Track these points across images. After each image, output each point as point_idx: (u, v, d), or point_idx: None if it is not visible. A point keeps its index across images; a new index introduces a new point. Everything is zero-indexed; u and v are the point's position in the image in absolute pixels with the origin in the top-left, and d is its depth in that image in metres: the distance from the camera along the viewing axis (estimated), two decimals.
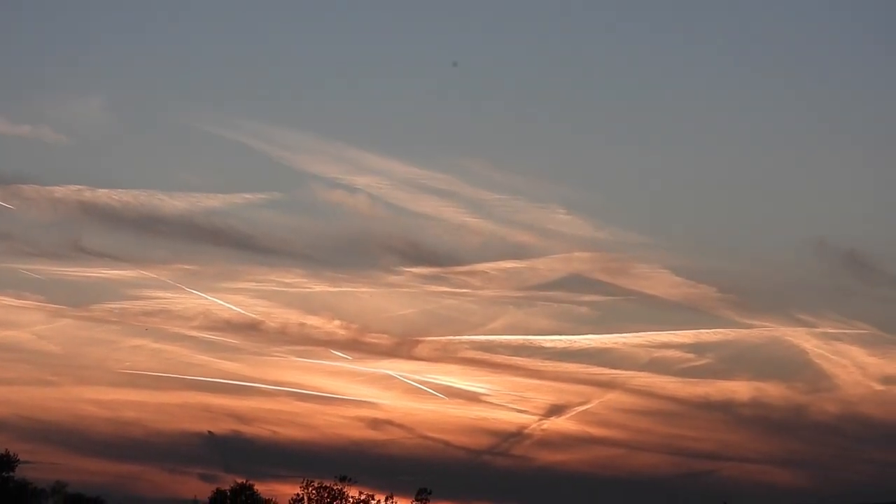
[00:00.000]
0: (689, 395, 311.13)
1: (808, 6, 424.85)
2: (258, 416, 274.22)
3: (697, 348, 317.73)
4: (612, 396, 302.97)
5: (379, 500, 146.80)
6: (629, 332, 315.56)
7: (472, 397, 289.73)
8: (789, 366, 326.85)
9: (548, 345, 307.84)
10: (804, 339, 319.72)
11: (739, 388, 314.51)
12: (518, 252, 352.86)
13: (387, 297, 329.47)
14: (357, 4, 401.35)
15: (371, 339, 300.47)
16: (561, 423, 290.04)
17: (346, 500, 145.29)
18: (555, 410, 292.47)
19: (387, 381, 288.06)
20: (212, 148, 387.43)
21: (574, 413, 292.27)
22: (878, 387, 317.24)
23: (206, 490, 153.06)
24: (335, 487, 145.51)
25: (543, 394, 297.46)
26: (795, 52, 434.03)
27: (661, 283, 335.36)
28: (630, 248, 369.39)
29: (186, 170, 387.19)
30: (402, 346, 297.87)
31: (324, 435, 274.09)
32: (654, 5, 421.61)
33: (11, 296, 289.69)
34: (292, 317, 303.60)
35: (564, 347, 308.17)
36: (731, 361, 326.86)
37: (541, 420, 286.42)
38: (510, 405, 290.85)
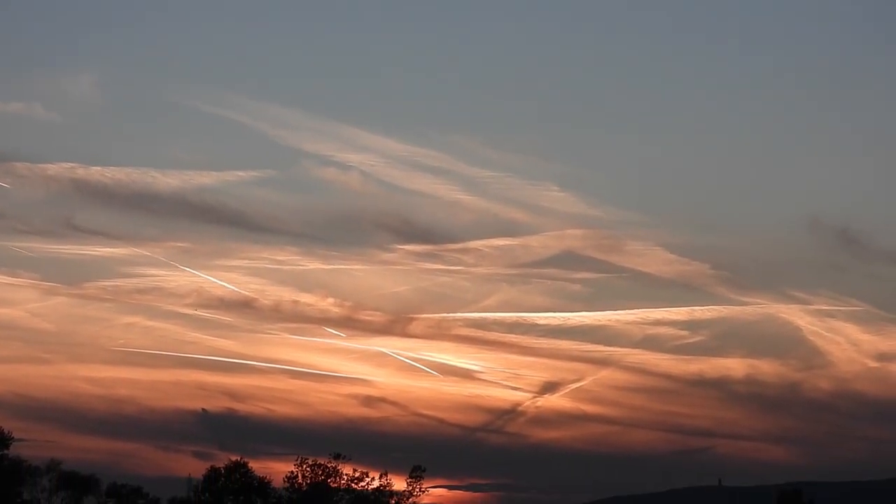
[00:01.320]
0: (683, 372, 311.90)
1: None
2: (252, 394, 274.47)
3: (691, 325, 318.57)
4: (606, 373, 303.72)
5: (373, 478, 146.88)
6: (623, 310, 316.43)
7: (466, 375, 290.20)
8: (783, 343, 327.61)
9: (541, 322, 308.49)
10: (798, 316, 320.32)
11: (733, 365, 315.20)
12: (511, 229, 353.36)
13: (380, 275, 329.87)
14: None
15: (365, 316, 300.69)
16: (555, 401, 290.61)
17: (340, 478, 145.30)
18: (549, 388, 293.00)
19: (380, 359, 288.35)
20: (204, 125, 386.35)
21: (568, 390, 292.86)
22: (873, 364, 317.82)
23: (200, 468, 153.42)
24: (329, 465, 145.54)
25: (537, 371, 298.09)
26: (787, 31, 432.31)
27: (654, 260, 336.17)
28: (623, 226, 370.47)
29: (179, 147, 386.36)
30: (396, 324, 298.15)
31: (318, 412, 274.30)
32: None
33: (5, 273, 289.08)
34: (286, 294, 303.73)
35: (558, 325, 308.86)
36: (725, 338, 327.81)
37: (535, 397, 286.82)
38: (504, 382, 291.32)
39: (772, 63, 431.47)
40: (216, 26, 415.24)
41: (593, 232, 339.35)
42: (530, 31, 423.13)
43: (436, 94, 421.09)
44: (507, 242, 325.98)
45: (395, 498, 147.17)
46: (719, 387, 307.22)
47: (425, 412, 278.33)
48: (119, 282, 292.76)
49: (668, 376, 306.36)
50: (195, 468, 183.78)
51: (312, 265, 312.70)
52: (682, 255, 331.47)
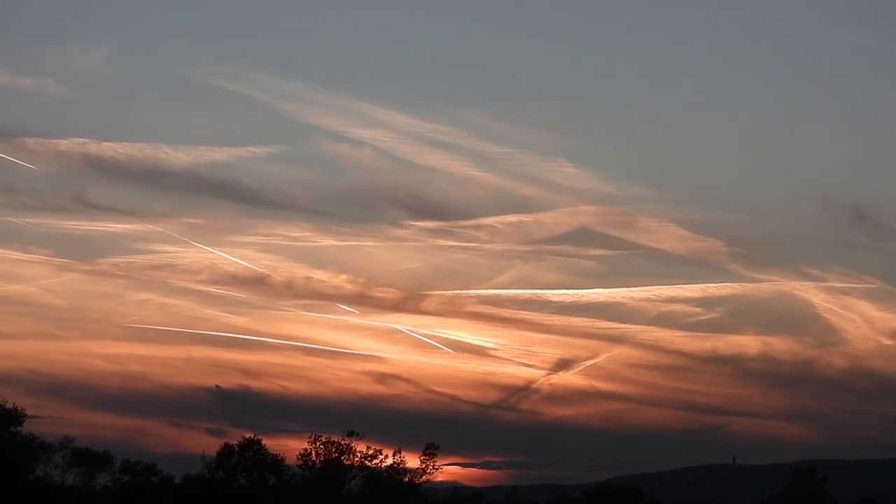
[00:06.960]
0: (697, 349, 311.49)
1: None
2: (265, 371, 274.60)
3: (705, 302, 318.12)
4: (620, 351, 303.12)
5: (386, 455, 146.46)
6: (636, 287, 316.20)
7: (480, 351, 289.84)
8: (797, 320, 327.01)
9: (555, 299, 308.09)
10: (812, 294, 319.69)
11: (747, 343, 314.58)
12: (524, 205, 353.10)
13: (393, 251, 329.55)
14: None
15: (378, 293, 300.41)
16: (569, 378, 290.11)
17: (353, 455, 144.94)
18: (562, 365, 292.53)
19: (394, 336, 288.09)
20: (217, 100, 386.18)
21: (582, 367, 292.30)
22: (887, 341, 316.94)
23: (213, 445, 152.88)
24: (343, 442, 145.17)
25: (551, 348, 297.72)
26: (799, 3, 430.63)
27: (667, 236, 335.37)
28: (636, 202, 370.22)
29: (191, 123, 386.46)
30: (410, 300, 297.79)
31: (331, 389, 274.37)
32: None
33: (18, 249, 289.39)
34: (299, 271, 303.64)
35: (572, 301, 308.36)
36: (739, 315, 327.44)
37: (548, 374, 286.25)
38: (518, 359, 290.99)
39: (785, 38, 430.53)
40: (229, 1, 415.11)
41: (606, 208, 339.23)
42: (540, 7, 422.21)
43: (447, 69, 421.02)
44: (520, 219, 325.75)
45: (408, 475, 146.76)
46: (733, 364, 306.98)
47: (439, 389, 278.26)
48: (132, 258, 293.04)
49: (682, 353, 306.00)
50: (209, 445, 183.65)
51: (325, 241, 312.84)
52: (695, 231, 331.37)
